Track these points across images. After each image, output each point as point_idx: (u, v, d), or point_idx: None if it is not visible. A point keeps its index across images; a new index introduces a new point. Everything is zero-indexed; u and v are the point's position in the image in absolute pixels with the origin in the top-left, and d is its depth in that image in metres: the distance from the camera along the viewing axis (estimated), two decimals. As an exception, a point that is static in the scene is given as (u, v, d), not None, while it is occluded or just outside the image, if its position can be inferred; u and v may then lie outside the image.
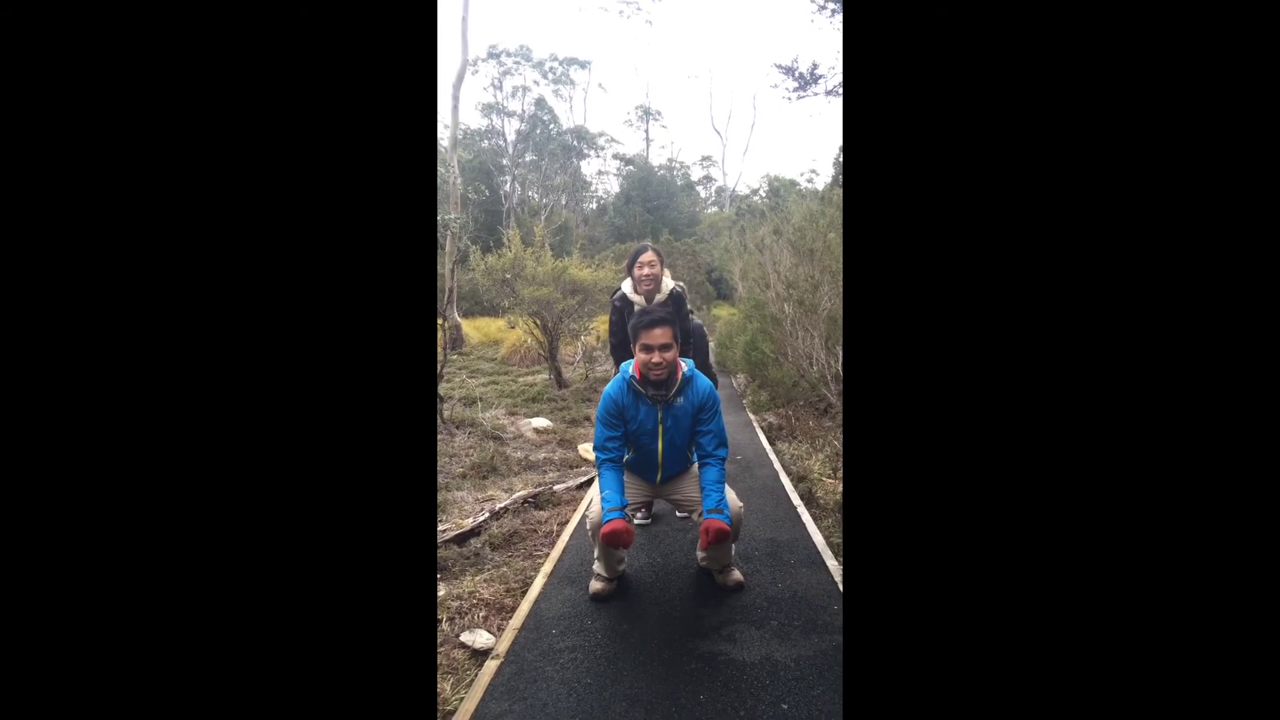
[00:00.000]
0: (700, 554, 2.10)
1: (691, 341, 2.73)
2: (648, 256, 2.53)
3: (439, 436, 4.32)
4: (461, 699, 1.48)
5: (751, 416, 5.50)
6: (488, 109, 25.94)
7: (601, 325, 8.07)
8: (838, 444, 3.82)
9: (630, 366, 1.94)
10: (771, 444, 4.30)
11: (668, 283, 2.58)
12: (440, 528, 2.58)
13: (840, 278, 4.47)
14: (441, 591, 2.05)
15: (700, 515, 1.88)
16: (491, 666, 1.59)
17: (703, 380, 1.98)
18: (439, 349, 4.56)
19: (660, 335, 1.84)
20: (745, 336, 6.65)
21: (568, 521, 2.78)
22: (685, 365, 1.96)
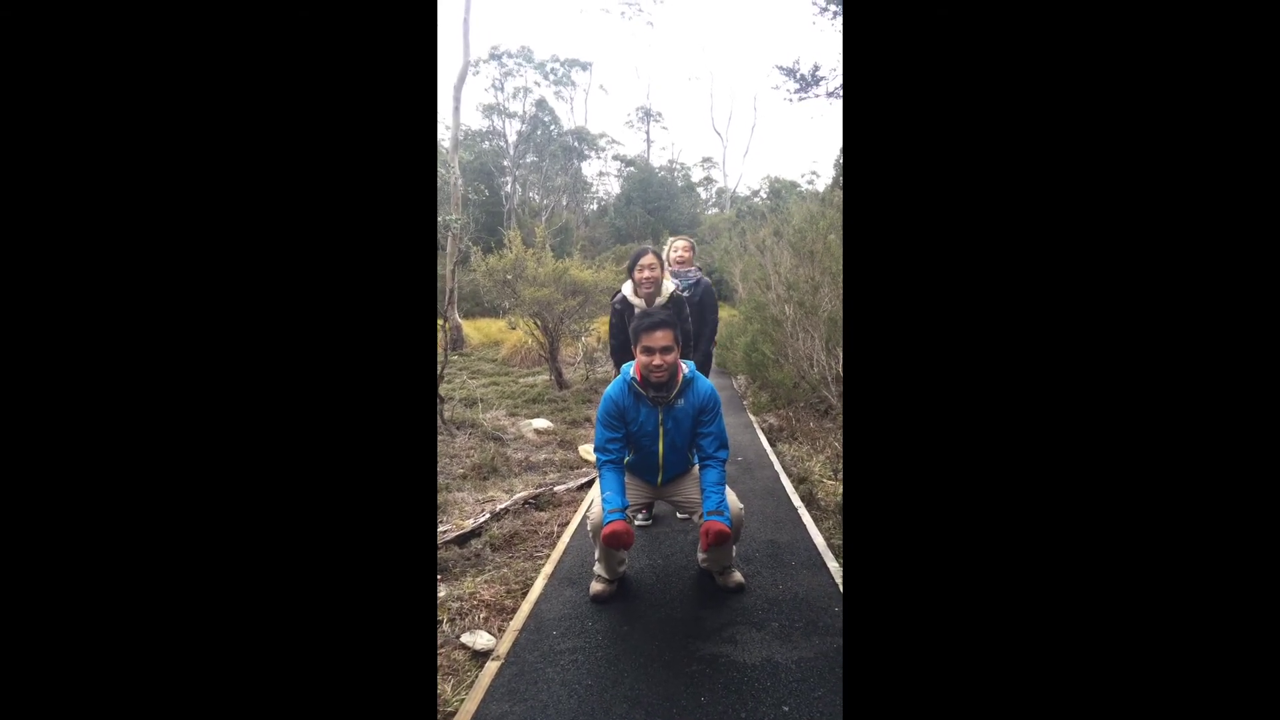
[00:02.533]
0: (701, 556, 2.09)
1: (698, 302, 2.81)
2: (648, 259, 2.53)
3: (439, 437, 4.32)
4: (462, 700, 1.48)
5: (752, 418, 5.49)
6: (489, 110, 25.94)
7: (602, 326, 8.06)
8: (838, 445, 3.81)
9: (631, 368, 1.94)
10: (772, 445, 4.29)
11: (668, 285, 2.58)
12: (441, 529, 2.58)
13: (840, 279, 4.46)
14: (442, 592, 2.05)
15: (701, 517, 1.88)
16: (492, 668, 1.59)
17: (703, 382, 1.98)
18: (439, 350, 4.56)
19: (661, 338, 1.84)
20: (746, 338, 6.64)
21: (568, 523, 2.78)
22: (686, 367, 1.96)
